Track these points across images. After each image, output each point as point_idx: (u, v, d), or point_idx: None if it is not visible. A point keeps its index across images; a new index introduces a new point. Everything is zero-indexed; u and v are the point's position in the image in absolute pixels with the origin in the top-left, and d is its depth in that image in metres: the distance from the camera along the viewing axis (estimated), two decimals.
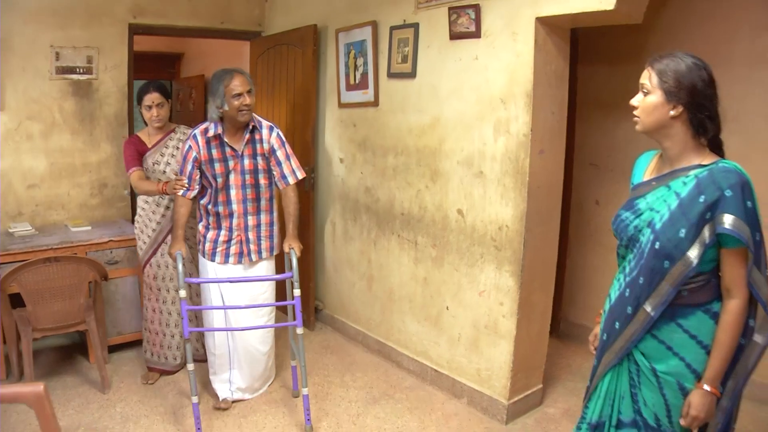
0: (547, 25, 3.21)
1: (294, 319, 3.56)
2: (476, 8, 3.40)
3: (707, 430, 2.07)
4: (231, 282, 3.65)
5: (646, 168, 2.14)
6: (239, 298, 3.70)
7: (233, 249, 3.67)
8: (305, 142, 4.79)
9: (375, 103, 4.30)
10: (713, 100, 1.94)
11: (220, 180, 3.56)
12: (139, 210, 4.15)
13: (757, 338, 1.93)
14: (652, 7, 3.67)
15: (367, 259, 4.55)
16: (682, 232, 1.89)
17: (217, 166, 3.55)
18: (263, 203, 3.69)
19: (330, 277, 5.01)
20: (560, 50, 3.33)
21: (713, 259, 1.91)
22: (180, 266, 3.40)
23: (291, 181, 3.68)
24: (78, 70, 4.73)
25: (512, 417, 3.62)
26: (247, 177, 3.60)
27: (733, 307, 1.89)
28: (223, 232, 3.65)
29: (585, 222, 4.73)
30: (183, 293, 3.35)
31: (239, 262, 3.68)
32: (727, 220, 1.83)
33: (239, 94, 3.38)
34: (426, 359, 4.11)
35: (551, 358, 4.14)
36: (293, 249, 3.55)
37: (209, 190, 3.64)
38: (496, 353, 3.59)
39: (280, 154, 3.64)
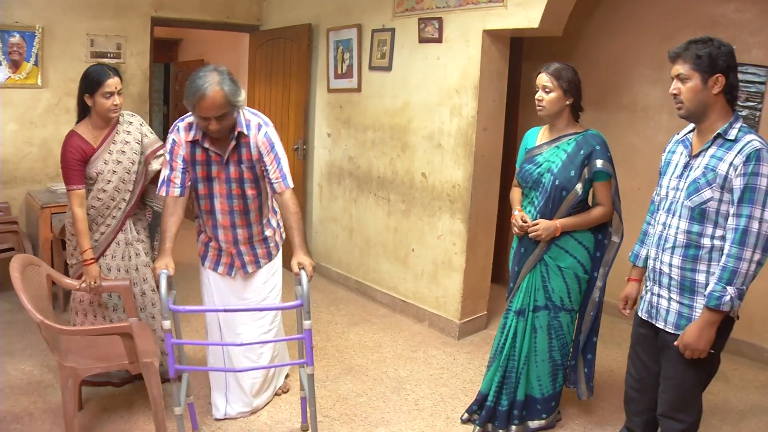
0: (491, 35, 4.23)
1: (303, 356, 2.99)
2: (440, 20, 4.43)
3: (584, 318, 3.24)
4: (228, 312, 3.23)
5: (536, 137, 3.23)
6: (238, 318, 3.32)
7: (223, 259, 3.26)
8: (299, 120, 5.80)
9: (358, 89, 5.30)
10: (582, 92, 3.07)
11: (201, 186, 3.08)
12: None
13: (614, 238, 3.15)
14: (579, 18, 4.78)
15: (349, 215, 5.58)
16: (572, 173, 3.00)
17: (199, 170, 3.05)
18: (252, 216, 3.19)
19: (317, 230, 6.01)
20: (501, 54, 4.37)
21: (587, 191, 3.06)
22: (163, 288, 2.68)
23: (278, 189, 3.09)
24: (109, 54, 5.58)
25: (463, 335, 4.64)
26: (233, 186, 3.08)
27: (600, 209, 3.07)
28: (212, 243, 3.25)
29: None
30: (167, 324, 2.67)
31: (228, 274, 3.28)
32: (599, 162, 2.99)
33: (206, 119, 2.81)
34: (396, 292, 5.16)
35: (497, 300, 5.18)
36: (304, 268, 2.88)
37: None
38: (450, 283, 4.64)
39: (267, 159, 3.05)
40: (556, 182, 3.03)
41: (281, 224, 3.40)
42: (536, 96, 3.08)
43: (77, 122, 3.43)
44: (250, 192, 3.12)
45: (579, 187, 3.01)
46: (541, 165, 3.11)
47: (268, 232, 3.31)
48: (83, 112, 3.39)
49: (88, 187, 3.38)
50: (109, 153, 3.37)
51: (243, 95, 2.90)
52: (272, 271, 3.41)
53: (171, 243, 2.96)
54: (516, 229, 3.17)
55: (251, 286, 3.34)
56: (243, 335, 3.30)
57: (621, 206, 3.14)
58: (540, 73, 3.07)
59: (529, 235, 3.11)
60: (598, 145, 3.00)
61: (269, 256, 3.35)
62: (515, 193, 3.34)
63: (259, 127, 3.05)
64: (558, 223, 3.03)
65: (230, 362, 3.37)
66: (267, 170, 3.07)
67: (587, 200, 3.11)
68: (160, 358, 3.37)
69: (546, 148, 3.14)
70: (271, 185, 3.10)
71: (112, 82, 3.27)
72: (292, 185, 3.14)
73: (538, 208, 3.12)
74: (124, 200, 3.45)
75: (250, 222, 3.19)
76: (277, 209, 3.36)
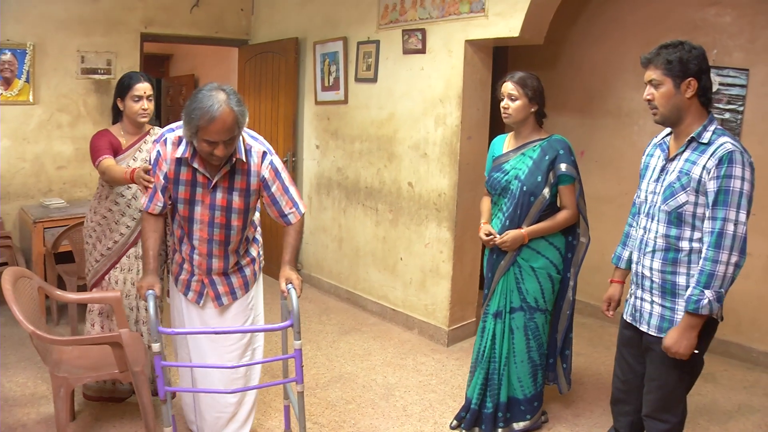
0: (473, 45, 4.32)
1: (290, 375, 2.95)
2: (423, 31, 4.52)
3: (561, 317, 3.30)
4: (217, 333, 2.86)
5: (502, 145, 3.31)
6: (206, 347, 2.98)
7: (194, 286, 2.95)
8: (287, 133, 5.88)
9: (345, 101, 5.37)
10: (545, 99, 3.16)
11: (182, 207, 2.78)
12: (97, 213, 3.54)
13: (582, 239, 3.23)
14: (563, 26, 4.86)
15: (338, 225, 5.64)
16: (539, 178, 3.09)
17: (182, 190, 2.75)
18: (231, 246, 2.87)
19: (307, 241, 6.06)
20: (484, 63, 4.45)
21: (555, 194, 3.14)
22: (152, 310, 2.59)
23: (293, 219, 2.91)
24: (99, 71, 5.65)
25: (452, 341, 4.69)
26: (217, 214, 2.77)
27: (565, 213, 3.15)
28: (185, 264, 2.94)
29: None
30: (157, 347, 2.55)
31: (197, 302, 2.97)
32: (563, 166, 3.08)
33: (213, 143, 2.51)
34: (385, 301, 5.21)
35: None
36: (292, 285, 2.74)
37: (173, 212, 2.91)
38: (438, 291, 4.69)
39: (275, 189, 2.82)
40: (524, 188, 3.11)
41: (261, 254, 3.17)
42: (502, 104, 3.17)
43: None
44: (235, 223, 2.81)
45: (546, 191, 3.10)
46: (508, 172, 3.20)
47: (243, 262, 3.00)
48: (116, 116, 3.53)
49: (106, 192, 3.49)
50: (133, 159, 3.44)
51: (248, 116, 2.64)
52: (248, 304, 3.08)
53: (155, 261, 2.83)
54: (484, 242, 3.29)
55: (220, 319, 3.02)
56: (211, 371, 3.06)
57: (586, 209, 3.23)
58: (505, 81, 3.16)
59: (498, 246, 3.21)
60: (562, 149, 3.10)
61: (246, 287, 3.03)
62: (484, 204, 3.43)
63: (263, 156, 2.77)
64: (524, 231, 3.12)
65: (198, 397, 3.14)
66: (276, 202, 2.86)
67: (556, 203, 3.20)
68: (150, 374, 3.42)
69: (513, 156, 3.22)
70: (285, 218, 2.91)
71: (142, 87, 3.37)
72: (304, 209, 2.97)
73: (506, 215, 3.20)
74: (139, 210, 3.39)
75: (227, 253, 2.88)
76: (260, 239, 3.16)
